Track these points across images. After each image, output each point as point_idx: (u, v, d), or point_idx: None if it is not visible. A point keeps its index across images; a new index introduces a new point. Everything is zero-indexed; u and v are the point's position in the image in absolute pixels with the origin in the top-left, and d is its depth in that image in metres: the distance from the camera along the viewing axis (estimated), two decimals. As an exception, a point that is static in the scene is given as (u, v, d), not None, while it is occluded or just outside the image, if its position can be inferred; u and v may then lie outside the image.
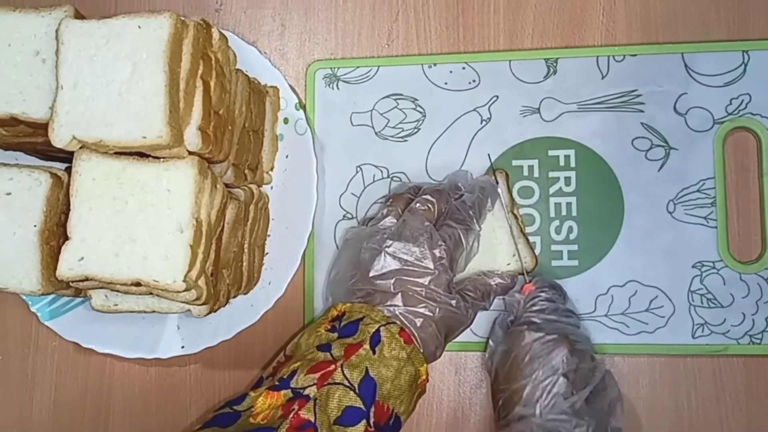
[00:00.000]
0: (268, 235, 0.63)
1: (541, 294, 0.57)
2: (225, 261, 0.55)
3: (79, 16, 0.52)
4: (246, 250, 0.59)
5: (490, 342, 0.60)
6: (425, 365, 0.53)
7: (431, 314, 0.53)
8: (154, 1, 0.69)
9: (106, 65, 0.49)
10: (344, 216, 0.64)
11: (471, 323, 0.57)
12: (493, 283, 0.59)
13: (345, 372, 0.48)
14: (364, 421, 0.48)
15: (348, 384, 0.48)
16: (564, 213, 0.62)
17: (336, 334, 0.52)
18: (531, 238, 0.62)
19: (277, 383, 0.49)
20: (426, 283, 0.54)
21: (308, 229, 0.62)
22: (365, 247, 0.56)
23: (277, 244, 0.63)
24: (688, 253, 0.61)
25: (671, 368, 0.60)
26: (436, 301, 0.53)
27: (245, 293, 0.61)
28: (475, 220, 0.58)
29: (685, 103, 0.62)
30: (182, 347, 0.62)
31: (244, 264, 0.59)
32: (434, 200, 0.57)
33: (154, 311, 0.55)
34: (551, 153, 0.63)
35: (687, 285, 0.60)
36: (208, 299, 0.52)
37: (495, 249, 0.61)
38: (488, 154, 0.63)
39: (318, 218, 0.64)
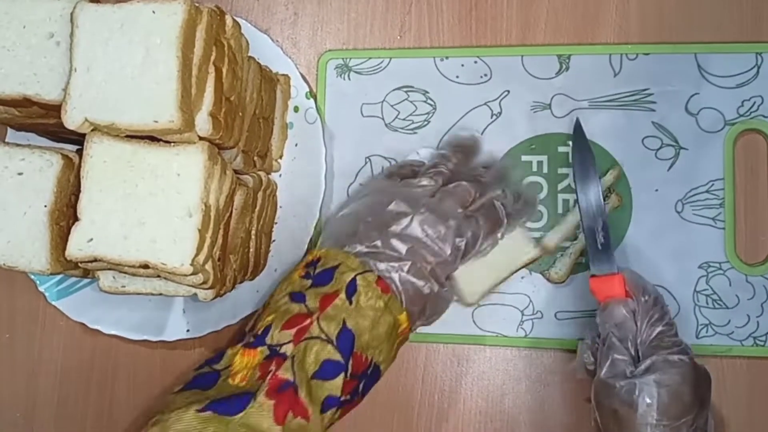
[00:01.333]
0: (276, 222, 0.64)
1: (654, 314, 0.52)
2: (232, 246, 0.55)
3: (94, 0, 0.52)
4: (253, 237, 0.59)
5: (610, 363, 0.51)
6: (404, 313, 0.52)
7: (427, 292, 0.53)
8: (169, -14, 0.69)
9: (120, 49, 0.49)
10: (352, 206, 0.65)
11: (447, 307, 0.57)
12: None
13: (321, 325, 0.48)
14: (342, 374, 0.47)
15: (325, 337, 0.48)
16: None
17: (310, 281, 0.51)
18: (538, 234, 0.62)
19: (252, 340, 0.49)
20: (434, 263, 0.53)
21: (315, 218, 0.62)
22: (397, 201, 0.55)
23: (284, 232, 0.64)
24: (695, 253, 0.61)
25: (674, 368, 0.60)
26: (436, 282, 0.53)
27: (251, 279, 0.61)
28: (502, 231, 0.57)
29: (696, 103, 0.61)
30: (187, 330, 0.63)
31: (251, 250, 0.59)
32: (473, 192, 0.56)
33: (160, 294, 0.56)
34: (561, 149, 0.63)
35: (693, 285, 0.60)
36: (214, 283, 0.52)
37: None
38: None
39: (325, 207, 0.64)
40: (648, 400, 0.49)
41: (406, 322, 0.52)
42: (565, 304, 0.62)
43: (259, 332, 0.49)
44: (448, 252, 0.54)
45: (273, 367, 0.46)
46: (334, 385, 0.47)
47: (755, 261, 0.60)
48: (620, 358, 0.51)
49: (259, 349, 0.48)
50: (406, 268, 0.52)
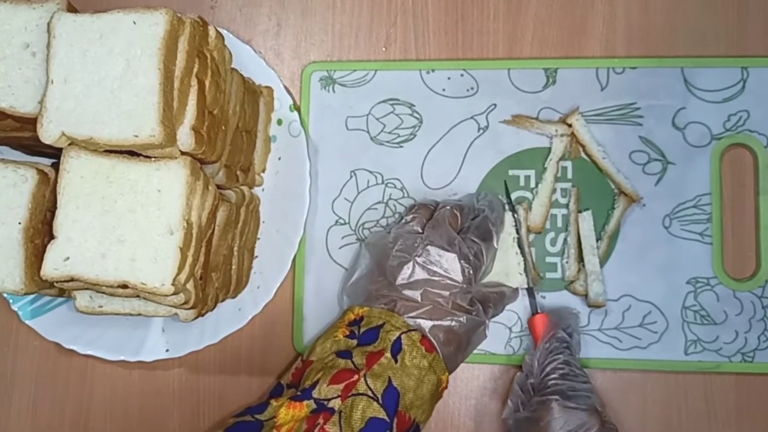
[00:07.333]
0: (258, 238, 0.62)
1: (559, 357, 0.56)
2: (214, 264, 0.54)
3: (71, 9, 0.50)
4: (236, 253, 0.58)
5: (509, 402, 0.58)
6: (447, 373, 0.52)
7: (457, 327, 0.52)
8: (148, -5, 0.67)
9: (99, 61, 0.47)
10: (336, 221, 0.63)
11: (486, 337, 0.56)
12: (502, 290, 0.59)
13: (368, 382, 0.48)
14: None
15: (372, 394, 0.48)
16: (560, 225, 0.62)
17: (355, 341, 0.51)
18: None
19: (299, 393, 0.48)
20: (452, 295, 0.53)
21: (299, 233, 0.61)
22: (393, 254, 0.54)
23: (267, 248, 0.62)
24: (682, 268, 0.60)
25: (663, 384, 0.60)
26: (461, 311, 0.53)
27: (233, 297, 0.60)
28: (495, 238, 0.57)
29: (683, 117, 0.61)
30: (167, 350, 0.61)
31: (234, 267, 0.58)
32: (458, 213, 0.56)
33: (140, 314, 0.54)
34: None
35: (681, 301, 0.60)
36: (196, 303, 0.50)
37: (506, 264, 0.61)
38: (504, 181, 0.62)
39: (310, 222, 0.63)
40: None
41: (447, 382, 0.52)
42: (553, 321, 0.61)
43: (306, 387, 0.48)
44: (461, 278, 0.53)
45: (320, 421, 0.46)
46: None
47: (743, 276, 0.60)
48: (514, 399, 0.57)
49: (306, 402, 0.48)
50: (427, 314, 0.52)
